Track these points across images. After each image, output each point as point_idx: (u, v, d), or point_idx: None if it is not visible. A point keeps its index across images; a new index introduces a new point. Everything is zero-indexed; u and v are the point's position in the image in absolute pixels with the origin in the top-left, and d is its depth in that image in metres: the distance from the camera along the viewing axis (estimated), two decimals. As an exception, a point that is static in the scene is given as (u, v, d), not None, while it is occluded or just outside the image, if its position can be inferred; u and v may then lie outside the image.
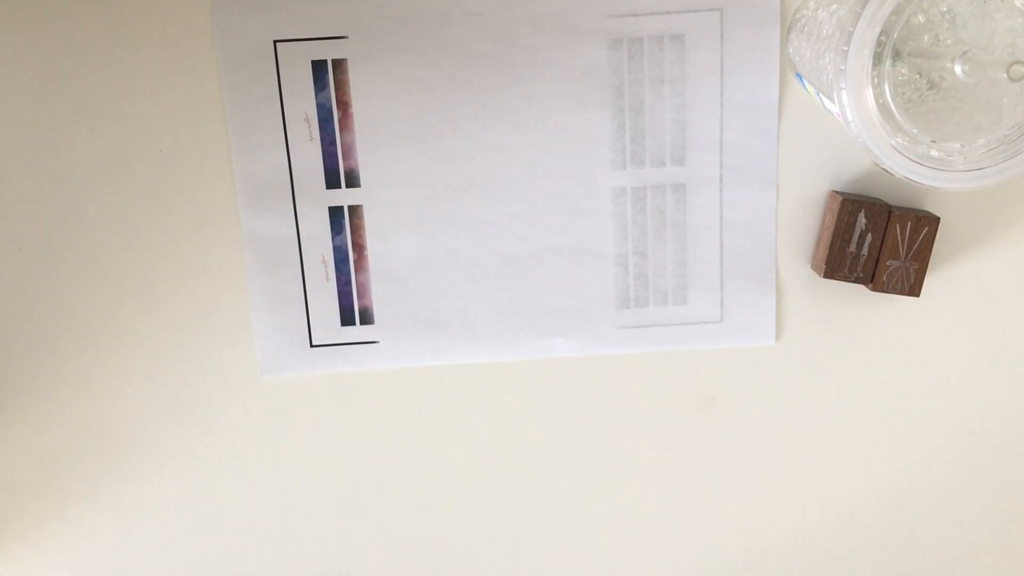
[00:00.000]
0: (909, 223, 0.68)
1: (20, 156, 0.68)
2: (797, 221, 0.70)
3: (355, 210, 0.70)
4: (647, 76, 0.68)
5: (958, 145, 0.54)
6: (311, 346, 0.72)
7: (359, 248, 0.71)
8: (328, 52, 0.68)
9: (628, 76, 0.68)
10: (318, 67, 0.68)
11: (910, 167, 0.54)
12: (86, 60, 0.67)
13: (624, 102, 0.69)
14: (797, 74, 0.66)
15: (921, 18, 0.53)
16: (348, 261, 0.71)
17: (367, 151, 0.69)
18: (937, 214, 0.69)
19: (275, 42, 0.67)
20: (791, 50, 0.66)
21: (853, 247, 0.65)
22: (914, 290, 0.69)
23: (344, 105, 0.68)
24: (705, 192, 0.70)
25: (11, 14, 0.67)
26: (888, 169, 0.54)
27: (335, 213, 0.70)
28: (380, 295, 0.72)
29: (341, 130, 0.69)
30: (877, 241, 0.68)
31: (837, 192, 0.69)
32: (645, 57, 0.68)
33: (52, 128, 0.68)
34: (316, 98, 0.68)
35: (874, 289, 0.69)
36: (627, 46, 0.68)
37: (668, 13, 0.67)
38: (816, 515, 0.76)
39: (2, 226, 0.70)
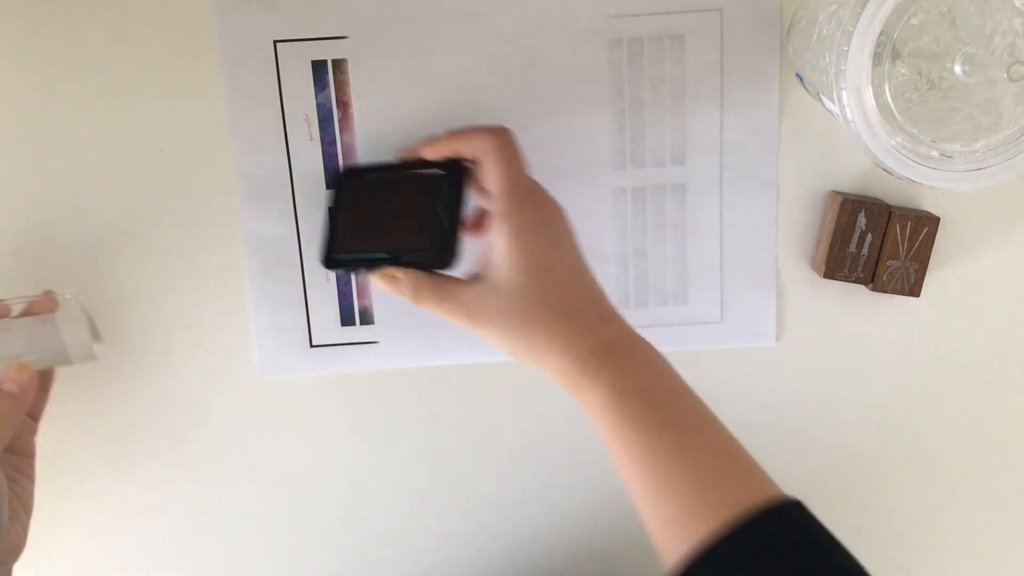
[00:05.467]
0: (909, 223, 0.68)
1: (20, 156, 0.69)
2: (797, 221, 0.70)
3: (355, 210, 0.70)
4: (647, 76, 0.68)
5: (958, 145, 0.54)
6: (311, 346, 0.72)
7: (359, 248, 0.71)
8: (328, 52, 0.68)
9: (628, 76, 0.68)
10: (318, 67, 0.68)
11: (910, 167, 0.54)
12: (86, 61, 0.67)
13: (624, 102, 0.69)
14: (797, 74, 0.66)
15: (921, 18, 0.53)
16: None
17: (367, 151, 0.69)
18: (937, 214, 0.69)
19: (275, 42, 0.67)
20: (791, 50, 0.66)
21: (853, 247, 0.65)
22: (914, 290, 0.69)
23: (344, 105, 0.68)
24: (705, 192, 0.70)
25: (12, 15, 0.67)
26: (888, 169, 0.54)
27: (335, 213, 0.70)
28: (380, 295, 0.71)
29: (341, 130, 0.69)
30: (877, 241, 0.68)
31: (837, 192, 0.69)
32: (645, 57, 0.68)
33: (52, 128, 0.68)
34: (316, 98, 0.68)
35: (874, 289, 0.69)
36: (627, 46, 0.68)
37: (668, 13, 0.67)
38: (816, 513, 0.75)
39: (2, 226, 0.70)
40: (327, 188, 0.69)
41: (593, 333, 0.57)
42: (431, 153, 0.62)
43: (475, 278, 0.60)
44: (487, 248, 0.60)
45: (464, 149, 0.61)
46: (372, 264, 0.64)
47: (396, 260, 0.63)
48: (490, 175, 0.59)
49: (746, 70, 0.68)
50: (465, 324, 0.60)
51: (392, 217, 0.65)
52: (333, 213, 0.66)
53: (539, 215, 0.59)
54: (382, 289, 0.62)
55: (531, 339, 0.58)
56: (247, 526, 0.76)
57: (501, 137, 0.60)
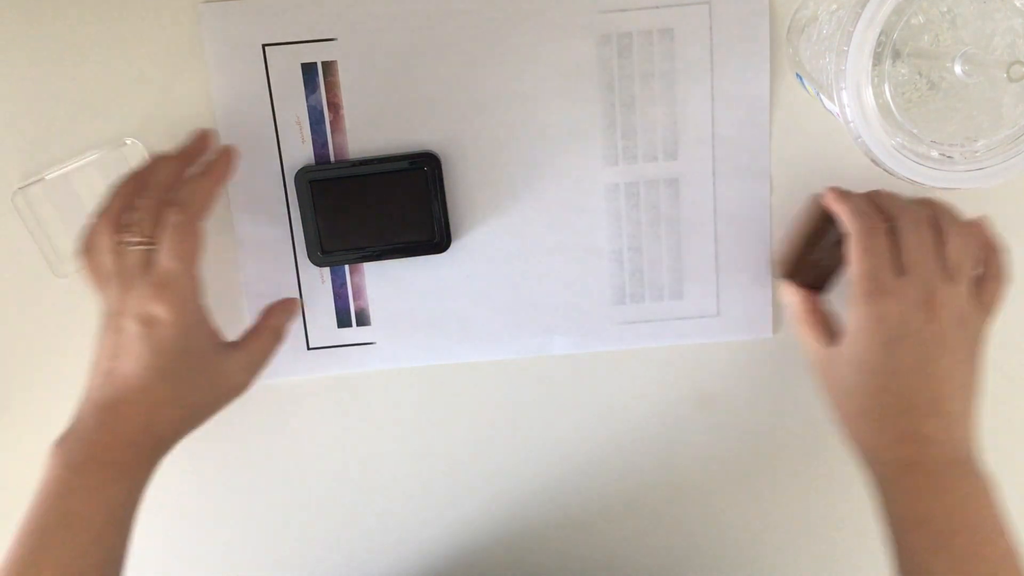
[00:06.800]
0: None
1: (13, 163, 0.68)
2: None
3: (351, 214, 0.70)
4: (637, 71, 0.68)
5: (958, 145, 0.54)
6: (308, 348, 0.72)
7: (356, 252, 0.70)
8: (318, 54, 0.67)
9: (618, 71, 0.68)
10: (308, 70, 0.67)
11: (910, 167, 0.54)
12: (79, 65, 0.67)
13: (615, 97, 0.68)
14: (797, 74, 0.66)
15: (921, 18, 0.53)
16: (343, 263, 0.71)
17: (359, 153, 0.69)
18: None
19: (264, 46, 0.67)
20: (791, 50, 0.66)
21: (817, 255, 0.66)
22: None
23: (335, 107, 0.68)
24: (698, 186, 0.70)
25: (11, 18, 0.66)
26: (888, 169, 0.55)
27: (331, 217, 0.70)
28: (376, 296, 0.71)
29: (333, 132, 0.68)
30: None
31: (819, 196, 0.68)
32: (635, 52, 0.68)
33: (42, 136, 0.68)
34: (307, 101, 0.68)
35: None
36: (616, 41, 0.67)
37: (657, 8, 0.67)
38: (815, 510, 0.77)
39: (2, 226, 0.69)
40: (296, 189, 0.68)
41: (890, 449, 0.60)
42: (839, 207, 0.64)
43: (837, 338, 0.63)
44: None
45: (840, 216, 0.63)
46: (366, 256, 0.69)
47: (394, 251, 0.69)
48: (850, 253, 0.61)
49: (736, 63, 0.68)
50: (815, 374, 0.65)
51: (380, 210, 0.68)
52: (313, 212, 0.68)
53: (879, 310, 0.60)
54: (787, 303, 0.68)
55: (843, 424, 0.63)
56: (247, 529, 0.76)
57: (866, 225, 0.61)
